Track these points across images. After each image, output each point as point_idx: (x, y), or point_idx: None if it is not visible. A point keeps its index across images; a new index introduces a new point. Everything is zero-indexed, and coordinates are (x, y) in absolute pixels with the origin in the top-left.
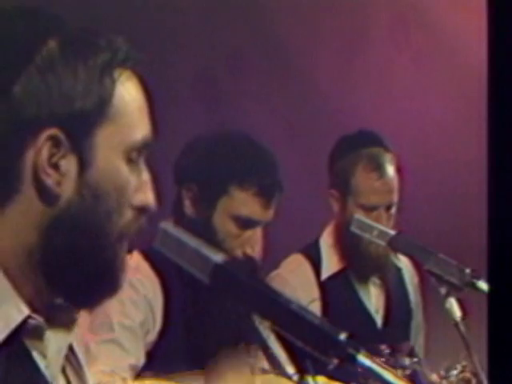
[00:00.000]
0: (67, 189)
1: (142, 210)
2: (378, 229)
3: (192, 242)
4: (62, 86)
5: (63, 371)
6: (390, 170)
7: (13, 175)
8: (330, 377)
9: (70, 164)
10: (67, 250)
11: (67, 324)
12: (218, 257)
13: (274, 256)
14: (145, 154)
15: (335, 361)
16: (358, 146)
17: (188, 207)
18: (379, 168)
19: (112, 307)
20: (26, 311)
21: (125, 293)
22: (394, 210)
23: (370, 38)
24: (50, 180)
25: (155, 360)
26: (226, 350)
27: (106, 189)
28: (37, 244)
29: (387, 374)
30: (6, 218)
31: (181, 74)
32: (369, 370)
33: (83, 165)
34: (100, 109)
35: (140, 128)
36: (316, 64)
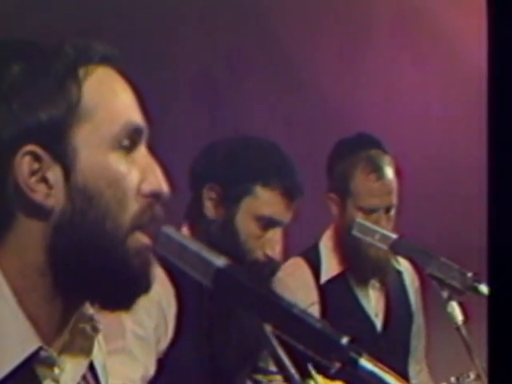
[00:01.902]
0: (58, 199)
1: (153, 197)
2: (380, 232)
3: (194, 245)
4: (27, 104)
5: None
6: (389, 171)
7: (5, 200)
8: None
9: (56, 174)
10: (78, 259)
11: (84, 350)
12: (220, 261)
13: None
14: (142, 140)
15: (337, 364)
16: (356, 148)
17: (209, 208)
18: (378, 170)
19: (125, 313)
20: (37, 343)
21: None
22: (393, 212)
23: (371, 38)
24: (37, 195)
25: (166, 369)
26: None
27: (97, 188)
28: (45, 262)
29: (389, 378)
30: (9, 242)
31: (181, 74)
32: (371, 374)
33: (67, 171)
34: (70, 113)
35: (122, 116)
36: (316, 65)
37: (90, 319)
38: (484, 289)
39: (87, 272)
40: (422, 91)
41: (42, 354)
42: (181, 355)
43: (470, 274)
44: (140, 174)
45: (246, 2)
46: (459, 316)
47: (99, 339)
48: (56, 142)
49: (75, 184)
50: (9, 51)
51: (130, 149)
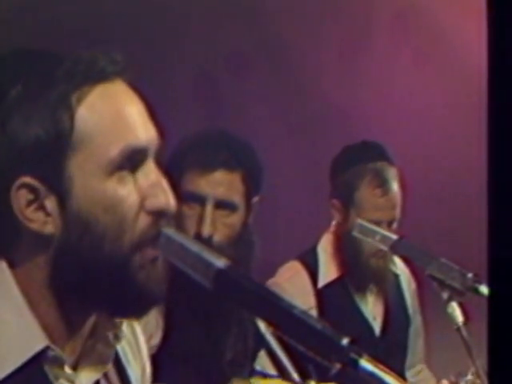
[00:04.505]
0: (56, 226)
1: (158, 213)
2: (381, 233)
3: (194, 247)
4: (20, 133)
5: None
6: (395, 185)
7: (11, 226)
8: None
9: (52, 202)
10: (80, 279)
11: (103, 357)
12: (220, 262)
13: (271, 263)
14: (147, 157)
15: (337, 365)
16: (363, 159)
17: None
18: (384, 184)
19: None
20: (44, 341)
21: None
22: (395, 226)
23: (371, 38)
24: (34, 224)
25: (159, 364)
26: (230, 358)
27: (93, 214)
28: (50, 279)
29: (390, 379)
30: (18, 259)
31: (181, 74)
32: (371, 375)
33: (63, 199)
34: (62, 143)
35: (120, 139)
36: (316, 64)
37: (115, 327)
38: (484, 289)
39: (91, 290)
40: (422, 91)
41: (50, 353)
42: (173, 349)
43: (470, 275)
44: (143, 193)
45: (246, 2)
46: (459, 317)
47: (141, 348)
48: (50, 171)
49: (71, 211)
50: (9, 69)
51: (132, 168)
